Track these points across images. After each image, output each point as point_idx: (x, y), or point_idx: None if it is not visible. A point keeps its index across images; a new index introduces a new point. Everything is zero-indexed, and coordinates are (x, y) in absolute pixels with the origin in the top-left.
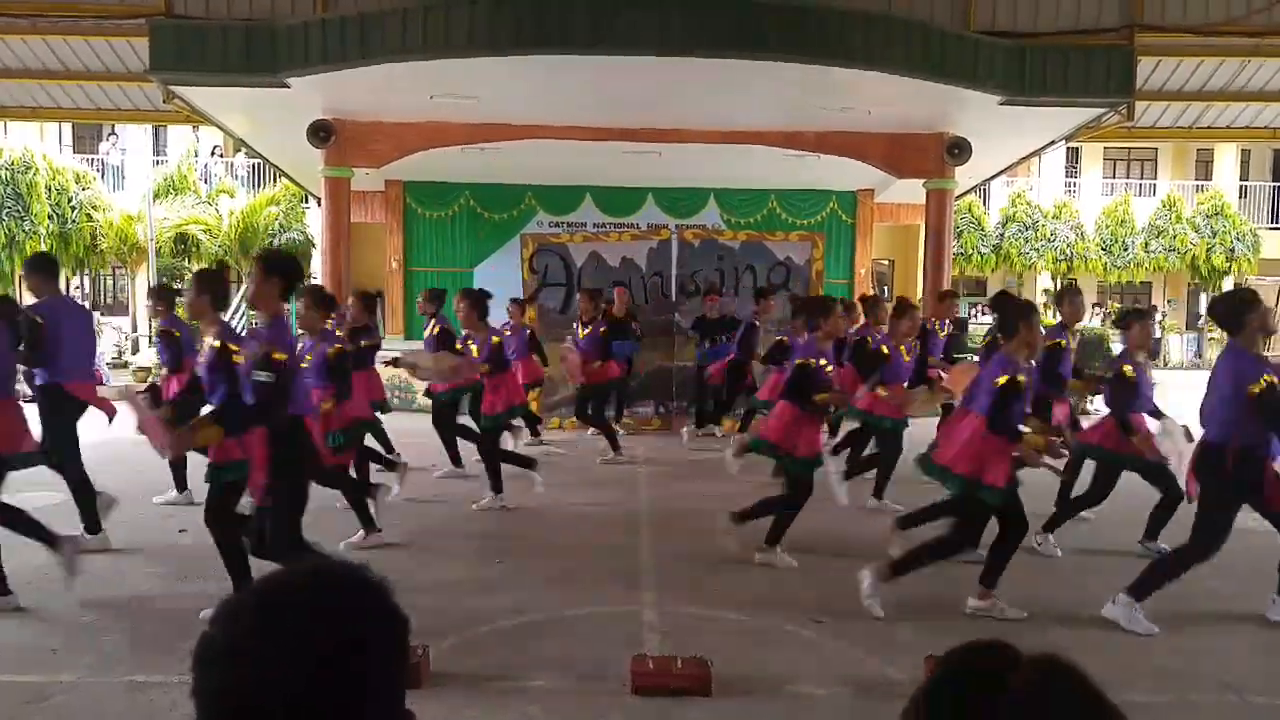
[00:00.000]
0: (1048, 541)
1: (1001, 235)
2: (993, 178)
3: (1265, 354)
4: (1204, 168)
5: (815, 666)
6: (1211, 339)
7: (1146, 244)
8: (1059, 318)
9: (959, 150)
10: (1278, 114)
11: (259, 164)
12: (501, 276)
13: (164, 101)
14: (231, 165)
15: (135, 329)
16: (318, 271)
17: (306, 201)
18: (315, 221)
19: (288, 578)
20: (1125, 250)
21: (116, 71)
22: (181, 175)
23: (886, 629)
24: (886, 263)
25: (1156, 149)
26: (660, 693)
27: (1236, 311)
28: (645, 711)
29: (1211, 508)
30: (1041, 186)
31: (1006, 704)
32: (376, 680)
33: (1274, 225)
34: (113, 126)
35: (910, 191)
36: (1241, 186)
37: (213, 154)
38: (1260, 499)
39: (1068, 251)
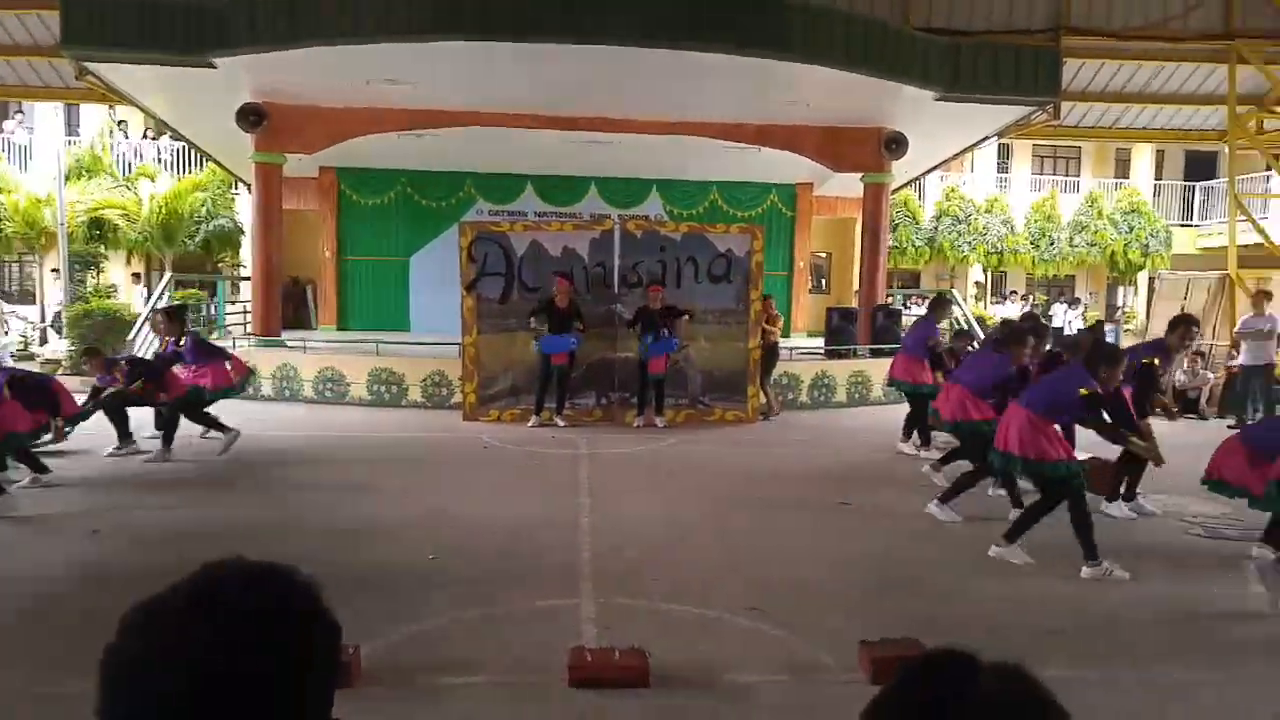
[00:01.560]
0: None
1: (935, 229)
2: (928, 172)
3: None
4: (1123, 166)
5: (752, 655)
6: (1128, 330)
7: (1071, 238)
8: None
9: (896, 145)
10: (1190, 116)
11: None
12: (439, 265)
13: (76, 78)
14: (159, 148)
15: (44, 319)
16: (248, 261)
17: (236, 187)
18: (245, 208)
19: (207, 582)
20: (1052, 244)
21: (25, 45)
22: (95, 156)
23: (822, 617)
24: (824, 255)
25: (1080, 147)
26: (598, 685)
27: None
28: (583, 704)
29: None
30: (974, 181)
31: (963, 711)
32: (300, 688)
33: (1185, 223)
34: (19, 104)
35: (848, 185)
36: (1156, 185)
37: (145, 136)
38: None
39: (999, 245)
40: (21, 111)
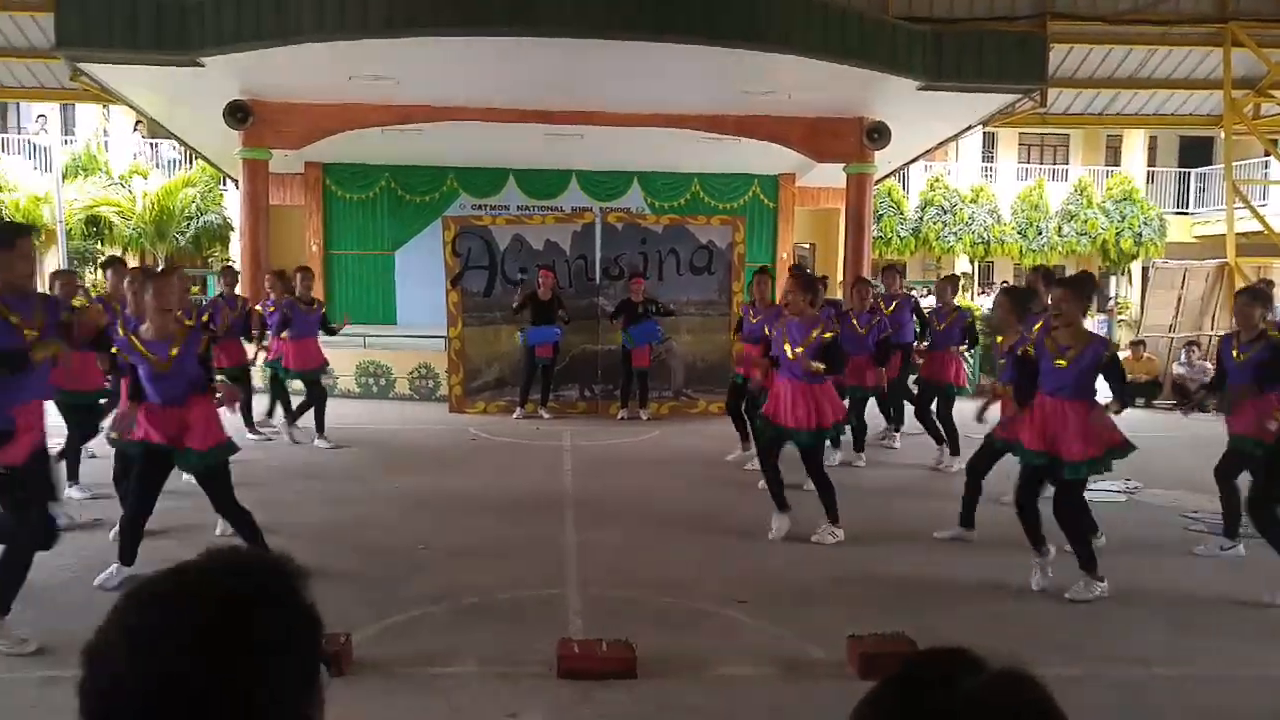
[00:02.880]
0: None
1: (921, 219)
2: (912, 162)
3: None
4: (1114, 153)
5: (738, 647)
6: (1121, 321)
7: (1059, 228)
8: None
9: (878, 135)
10: (1183, 101)
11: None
12: (423, 259)
13: (70, 79)
14: (156, 146)
15: None
16: (237, 255)
17: (224, 184)
18: (233, 204)
19: (197, 569)
20: (1039, 234)
21: (20, 47)
22: (90, 155)
23: (808, 609)
24: (808, 246)
25: (1069, 134)
26: (585, 676)
27: None
28: (570, 694)
29: None
30: (959, 171)
31: (955, 710)
32: (277, 682)
33: (1180, 210)
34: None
35: (831, 175)
36: (1149, 172)
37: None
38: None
39: (984, 235)
40: (44, 115)
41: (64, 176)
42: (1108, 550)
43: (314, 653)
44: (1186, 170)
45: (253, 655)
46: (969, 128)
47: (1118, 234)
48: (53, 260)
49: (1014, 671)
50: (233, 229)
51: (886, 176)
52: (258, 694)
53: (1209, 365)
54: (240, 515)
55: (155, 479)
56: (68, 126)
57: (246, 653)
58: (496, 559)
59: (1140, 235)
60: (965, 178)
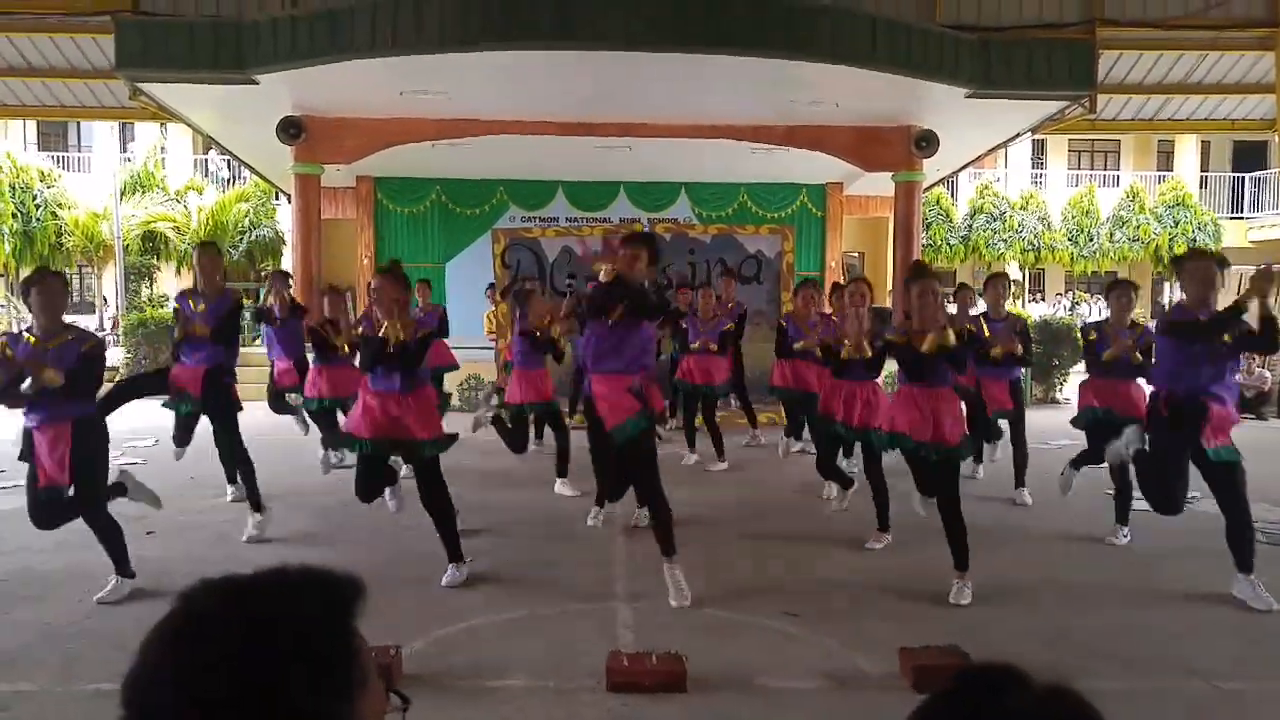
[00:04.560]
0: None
1: (970, 227)
2: (960, 170)
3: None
4: (1165, 159)
5: (789, 660)
6: None
7: (1111, 234)
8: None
9: (926, 143)
10: (1236, 106)
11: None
12: (474, 272)
13: (130, 99)
14: (230, 163)
15: (102, 327)
16: (289, 268)
17: (277, 198)
18: (286, 218)
19: (231, 585)
20: (1091, 240)
21: (82, 68)
22: (148, 172)
23: (859, 622)
24: (857, 255)
25: (1119, 140)
26: (635, 689)
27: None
28: (620, 708)
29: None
30: (1008, 178)
31: None
32: (300, 703)
33: (1235, 215)
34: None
35: (879, 184)
36: (1202, 177)
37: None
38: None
39: (1035, 242)
40: (134, 139)
41: (122, 193)
42: (1174, 562)
43: (346, 677)
44: (1240, 174)
45: (277, 674)
46: (1018, 135)
47: (1171, 239)
48: (109, 274)
49: (1059, 686)
50: (285, 242)
51: (935, 184)
52: (276, 712)
53: (1268, 374)
54: (445, 509)
55: (379, 477)
56: (126, 145)
57: (271, 671)
58: (546, 570)
59: (1194, 240)
60: (1015, 184)
